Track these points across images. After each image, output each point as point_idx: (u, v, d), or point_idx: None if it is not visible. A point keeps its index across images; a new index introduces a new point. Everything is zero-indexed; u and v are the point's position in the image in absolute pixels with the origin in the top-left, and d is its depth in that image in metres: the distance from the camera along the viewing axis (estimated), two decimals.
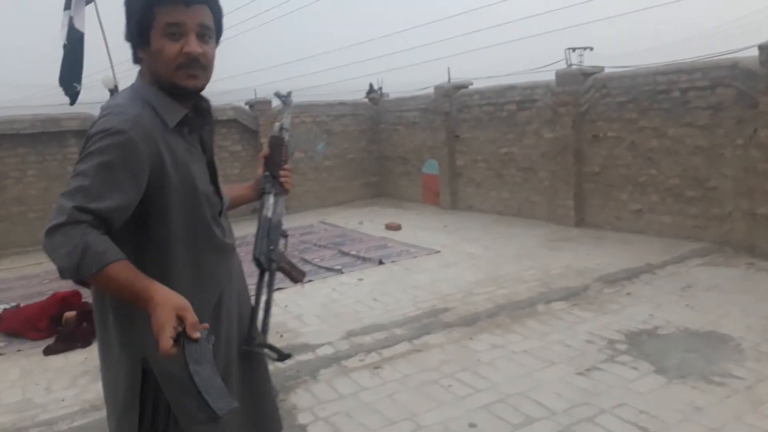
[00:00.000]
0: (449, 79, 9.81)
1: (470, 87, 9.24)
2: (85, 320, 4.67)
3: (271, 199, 1.88)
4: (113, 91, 9.34)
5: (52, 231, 1.35)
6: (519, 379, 3.46)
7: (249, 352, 1.79)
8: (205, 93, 1.66)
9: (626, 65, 7.59)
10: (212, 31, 1.59)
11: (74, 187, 1.39)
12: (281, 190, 1.92)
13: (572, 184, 7.37)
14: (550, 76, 7.69)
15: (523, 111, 8.05)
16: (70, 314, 4.72)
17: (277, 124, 2.00)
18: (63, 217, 1.35)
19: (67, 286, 5.89)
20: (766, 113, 5.43)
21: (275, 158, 1.93)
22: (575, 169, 7.33)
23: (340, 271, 6.12)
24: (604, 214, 7.19)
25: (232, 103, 10.21)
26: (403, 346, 4.06)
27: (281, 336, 4.29)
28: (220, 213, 1.71)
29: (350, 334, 4.34)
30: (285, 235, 1.87)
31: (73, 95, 8.22)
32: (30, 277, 6.97)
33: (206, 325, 1.35)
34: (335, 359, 3.91)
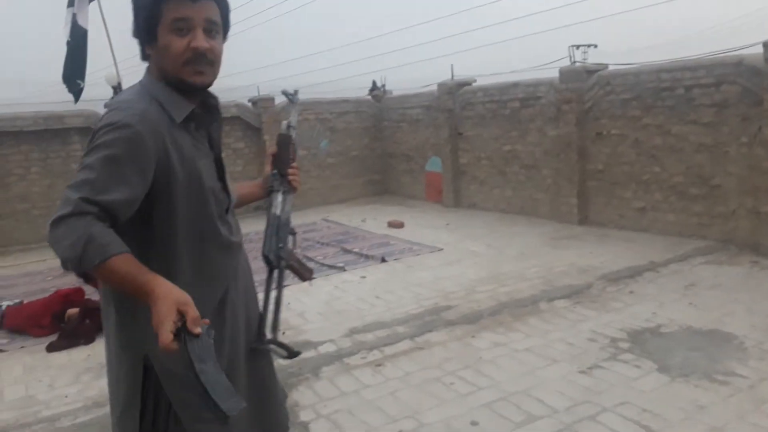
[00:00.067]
0: (452, 76, 9.79)
1: (473, 84, 9.22)
2: (87, 317, 4.69)
3: (279, 197, 1.89)
4: (116, 88, 9.36)
5: (57, 222, 1.34)
6: (521, 377, 3.45)
7: (255, 351, 1.79)
8: (211, 90, 1.65)
9: (630, 62, 7.55)
10: (219, 27, 1.58)
11: (80, 180, 1.39)
12: (289, 188, 1.92)
13: (575, 181, 7.35)
14: (553, 74, 7.67)
15: (527, 108, 8.04)
16: (73, 311, 4.73)
17: (284, 123, 2.01)
18: (69, 208, 1.34)
19: (70, 283, 5.90)
20: None
21: (283, 156, 1.93)
22: (579, 166, 7.31)
23: (342, 269, 6.12)
24: (607, 212, 7.17)
25: (236, 100, 10.22)
26: (405, 344, 4.06)
27: (283, 333, 4.28)
28: (227, 210, 1.70)
29: (352, 332, 4.35)
30: (293, 233, 1.87)
31: (76, 92, 8.24)
32: (33, 274, 6.99)
33: (206, 320, 1.34)
34: (337, 357, 3.92)
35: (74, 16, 7.94)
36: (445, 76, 9.82)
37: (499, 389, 3.32)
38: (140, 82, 1.61)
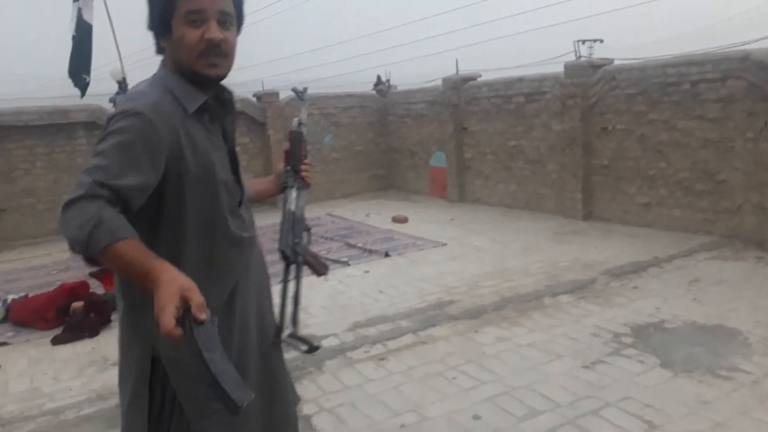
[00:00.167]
0: (457, 71, 9.75)
1: (478, 79, 9.19)
2: (92, 311, 4.71)
3: (293, 193, 1.90)
4: (121, 83, 9.39)
5: (68, 204, 1.34)
6: (524, 372, 3.45)
7: (267, 349, 1.79)
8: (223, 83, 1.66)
9: (636, 57, 7.51)
10: (233, 18, 1.59)
11: (94, 165, 1.40)
12: (303, 184, 1.94)
13: (580, 177, 7.32)
14: (559, 68, 7.63)
15: (532, 103, 8.01)
16: (78, 305, 4.75)
17: (295, 120, 2.03)
18: (81, 191, 1.34)
19: (75, 277, 5.94)
20: None
21: (296, 153, 1.95)
22: (584, 161, 7.28)
23: (346, 264, 6.13)
24: (612, 208, 7.15)
25: (241, 95, 10.22)
26: (408, 338, 4.07)
27: (287, 327, 4.29)
28: (240, 203, 1.70)
29: (356, 326, 4.35)
30: (308, 229, 1.89)
31: (82, 87, 8.26)
32: (38, 267, 7.03)
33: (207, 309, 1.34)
34: (341, 351, 3.93)
35: (80, 10, 7.96)
36: (450, 71, 9.79)
37: (502, 384, 3.32)
38: (155, 74, 1.62)
